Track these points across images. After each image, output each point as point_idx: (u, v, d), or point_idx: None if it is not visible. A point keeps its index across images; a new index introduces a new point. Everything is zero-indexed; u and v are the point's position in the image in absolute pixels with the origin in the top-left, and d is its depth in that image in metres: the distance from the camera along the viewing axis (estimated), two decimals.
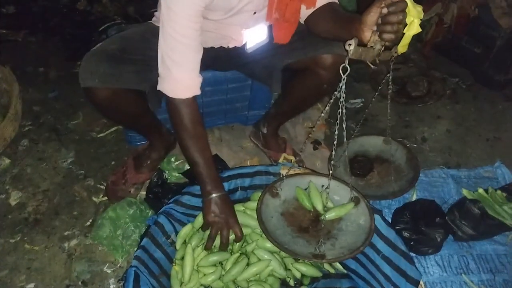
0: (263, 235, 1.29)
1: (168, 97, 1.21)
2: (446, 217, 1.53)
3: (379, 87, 1.40)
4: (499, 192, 1.58)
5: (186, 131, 1.24)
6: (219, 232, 1.28)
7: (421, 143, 2.01)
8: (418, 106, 2.21)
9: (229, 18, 1.31)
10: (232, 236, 1.30)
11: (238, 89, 1.81)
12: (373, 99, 1.42)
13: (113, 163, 1.85)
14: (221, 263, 1.33)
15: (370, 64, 1.05)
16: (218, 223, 1.27)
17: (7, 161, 1.82)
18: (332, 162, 1.25)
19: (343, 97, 1.09)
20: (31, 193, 1.71)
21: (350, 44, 1.01)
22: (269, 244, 1.33)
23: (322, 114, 1.23)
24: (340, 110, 1.10)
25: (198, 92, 1.23)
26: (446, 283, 1.45)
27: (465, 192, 1.61)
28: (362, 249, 1.19)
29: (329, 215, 1.29)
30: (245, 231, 1.34)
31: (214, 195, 1.26)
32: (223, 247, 1.29)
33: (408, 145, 1.89)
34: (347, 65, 1.01)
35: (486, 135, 2.08)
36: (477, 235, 1.50)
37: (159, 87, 1.22)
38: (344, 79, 1.04)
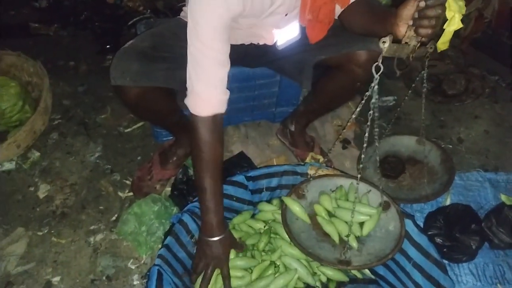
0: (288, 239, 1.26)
1: (190, 112, 1.15)
2: (482, 224, 1.45)
3: (413, 85, 1.34)
4: None
5: (201, 153, 1.15)
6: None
7: (456, 144, 1.92)
8: (455, 105, 2.11)
9: (261, 21, 1.27)
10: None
11: (266, 85, 1.77)
12: (406, 97, 1.36)
13: (139, 158, 1.85)
14: (249, 268, 1.29)
15: (404, 60, 1.00)
16: (206, 260, 1.21)
17: (37, 154, 1.84)
18: (361, 164, 1.20)
19: (375, 98, 1.03)
20: (59, 187, 1.74)
21: (384, 42, 0.96)
22: (294, 250, 1.28)
23: (354, 116, 1.17)
24: (371, 112, 1.05)
25: (221, 110, 1.14)
26: None
27: (503, 197, 1.52)
28: (390, 257, 1.14)
29: (353, 244, 1.22)
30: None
31: (214, 239, 1.19)
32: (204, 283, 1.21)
33: (443, 146, 1.81)
34: (380, 64, 0.96)
35: None
36: None
37: (185, 100, 1.16)
38: (376, 79, 0.98)
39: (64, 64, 2.40)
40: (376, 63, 0.96)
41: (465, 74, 2.21)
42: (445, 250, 1.41)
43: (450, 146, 1.90)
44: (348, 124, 1.26)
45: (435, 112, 2.09)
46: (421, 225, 1.50)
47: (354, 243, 1.21)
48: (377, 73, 0.97)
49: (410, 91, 1.35)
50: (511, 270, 1.42)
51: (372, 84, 1.00)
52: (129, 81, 1.26)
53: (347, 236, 1.19)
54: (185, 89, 1.15)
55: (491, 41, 2.28)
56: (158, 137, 1.86)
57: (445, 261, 1.42)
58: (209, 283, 1.21)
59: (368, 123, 1.06)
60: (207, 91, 1.11)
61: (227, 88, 1.15)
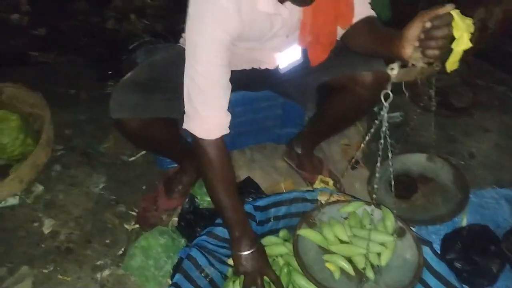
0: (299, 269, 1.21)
1: (196, 136, 1.13)
2: (502, 245, 1.40)
3: (421, 104, 1.31)
4: None
5: (214, 174, 1.16)
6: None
7: (468, 160, 1.87)
8: (463, 118, 2.07)
9: (262, 44, 1.25)
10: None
11: (269, 107, 1.74)
12: (415, 116, 1.33)
13: (144, 187, 1.81)
14: None
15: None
16: (250, 274, 1.18)
17: (40, 187, 1.81)
18: (374, 185, 1.15)
19: (385, 126, 1.00)
20: (63, 221, 1.69)
21: (393, 69, 0.93)
22: (307, 283, 1.23)
23: (363, 145, 1.14)
24: (382, 141, 1.02)
25: (227, 131, 1.15)
26: None
27: None
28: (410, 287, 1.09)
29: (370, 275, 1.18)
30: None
31: (246, 252, 1.18)
32: None
33: (454, 163, 1.76)
34: (389, 92, 0.93)
35: None
36: None
37: (185, 126, 1.15)
38: (386, 107, 0.95)
39: (65, 92, 2.37)
40: (385, 91, 0.93)
41: (472, 86, 2.17)
42: (465, 275, 1.36)
43: (462, 162, 1.86)
44: (358, 151, 1.23)
45: (443, 126, 2.04)
46: (438, 248, 1.46)
47: (371, 274, 1.16)
48: (386, 101, 0.94)
49: (418, 110, 1.32)
50: None
51: (382, 112, 0.97)
52: (129, 114, 1.25)
53: (364, 268, 1.15)
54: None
55: (496, 51, 2.26)
56: (163, 164, 1.82)
57: (466, 287, 1.37)
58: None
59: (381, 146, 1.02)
60: (214, 114, 1.11)
61: (228, 110, 1.15)
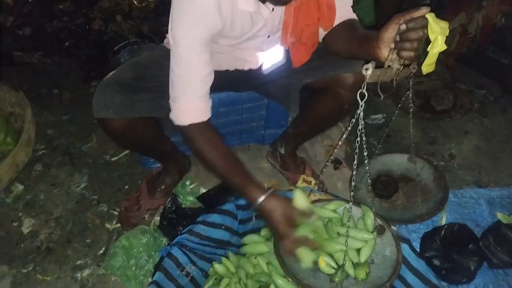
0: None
1: (181, 125, 1.16)
2: (480, 243, 1.42)
3: (399, 104, 1.33)
4: None
5: (208, 154, 1.17)
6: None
7: (448, 161, 1.90)
8: (444, 121, 2.10)
9: (243, 43, 1.26)
10: None
11: (253, 108, 1.75)
12: (394, 117, 1.35)
13: (126, 187, 1.80)
14: None
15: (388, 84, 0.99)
16: (290, 220, 1.11)
17: (20, 187, 1.78)
18: (352, 189, 1.18)
19: (361, 125, 1.02)
20: (43, 220, 1.67)
21: (367, 69, 0.95)
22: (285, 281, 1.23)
23: (340, 142, 1.16)
24: (358, 139, 1.04)
25: (207, 116, 1.17)
26: None
27: (499, 216, 1.50)
28: (388, 285, 1.10)
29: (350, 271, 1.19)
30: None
31: (262, 197, 1.10)
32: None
33: (435, 163, 1.79)
34: (364, 91, 0.95)
35: None
36: None
37: (170, 115, 1.17)
38: (362, 106, 0.97)
39: (48, 92, 2.35)
40: (360, 90, 0.95)
41: (453, 90, 2.21)
42: (443, 272, 1.38)
43: (442, 163, 1.88)
44: (337, 146, 1.24)
45: (425, 128, 2.07)
46: (418, 246, 1.47)
47: (351, 271, 1.17)
48: (362, 100, 0.96)
49: (396, 111, 1.34)
50: None
51: (358, 111, 0.99)
52: (112, 114, 1.24)
53: (343, 264, 1.15)
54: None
55: (477, 56, 2.29)
56: (146, 164, 1.82)
57: (445, 283, 1.39)
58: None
59: (357, 144, 1.05)
60: (192, 103, 1.13)
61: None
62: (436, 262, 1.39)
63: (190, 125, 1.14)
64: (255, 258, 1.31)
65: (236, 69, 1.43)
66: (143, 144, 1.46)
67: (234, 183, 1.17)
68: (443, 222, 1.55)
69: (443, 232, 1.45)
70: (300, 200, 1.12)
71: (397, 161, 1.70)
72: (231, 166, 1.18)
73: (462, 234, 1.45)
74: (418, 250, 1.42)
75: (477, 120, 2.11)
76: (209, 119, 1.17)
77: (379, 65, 0.98)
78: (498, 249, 1.39)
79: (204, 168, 1.23)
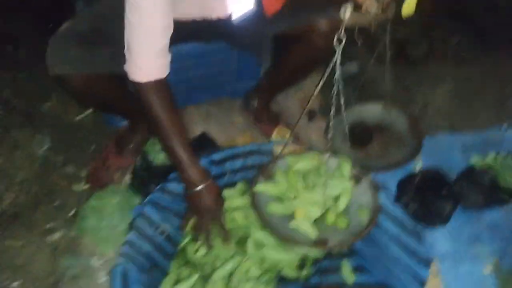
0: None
1: (135, 81, 1.08)
2: (454, 187, 1.45)
3: (374, 53, 1.30)
4: (509, 158, 1.49)
5: (157, 117, 1.11)
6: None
7: (423, 108, 1.89)
8: (419, 68, 2.08)
9: None
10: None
11: (223, 60, 1.67)
12: (370, 64, 1.32)
13: (93, 147, 1.72)
14: None
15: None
16: (203, 214, 1.18)
17: None
18: (329, 134, 1.15)
19: (338, 72, 0.98)
20: (6, 185, 1.58)
21: (345, 11, 0.90)
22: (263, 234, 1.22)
23: (320, 84, 1.11)
24: (335, 87, 1.00)
25: (165, 73, 1.10)
26: (457, 255, 1.39)
27: (473, 160, 1.52)
28: (366, 232, 1.11)
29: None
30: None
31: (199, 187, 1.15)
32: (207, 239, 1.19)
33: (409, 111, 1.78)
34: (341, 36, 0.91)
35: (492, 96, 1.95)
36: (486, 204, 1.44)
37: (124, 67, 1.09)
38: (339, 52, 0.93)
39: (2, 49, 2.18)
40: (338, 34, 0.91)
41: (428, 37, 2.18)
42: (419, 215, 1.40)
43: (417, 110, 1.88)
44: (313, 97, 1.20)
45: (399, 77, 2.04)
46: (394, 192, 1.48)
47: (330, 219, 1.17)
48: (339, 44, 0.92)
49: (372, 59, 1.30)
50: (486, 229, 1.44)
51: (334, 58, 0.95)
52: (70, 69, 1.15)
53: (323, 214, 1.14)
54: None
55: (453, 1, 2.25)
56: (112, 122, 1.73)
57: (420, 227, 1.41)
58: (210, 236, 1.18)
59: (333, 95, 1.01)
60: (147, 59, 1.06)
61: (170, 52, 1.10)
62: (412, 206, 1.41)
63: (146, 83, 1.07)
64: (232, 213, 1.29)
65: (204, 18, 1.34)
66: (106, 102, 1.38)
67: (178, 155, 1.14)
68: (419, 167, 1.56)
69: (418, 178, 1.47)
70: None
71: (371, 111, 1.68)
72: (180, 136, 1.14)
73: (436, 179, 1.47)
74: (394, 196, 1.43)
75: (451, 68, 2.09)
76: (165, 76, 1.10)
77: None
78: (471, 192, 1.43)
79: (152, 129, 1.18)
